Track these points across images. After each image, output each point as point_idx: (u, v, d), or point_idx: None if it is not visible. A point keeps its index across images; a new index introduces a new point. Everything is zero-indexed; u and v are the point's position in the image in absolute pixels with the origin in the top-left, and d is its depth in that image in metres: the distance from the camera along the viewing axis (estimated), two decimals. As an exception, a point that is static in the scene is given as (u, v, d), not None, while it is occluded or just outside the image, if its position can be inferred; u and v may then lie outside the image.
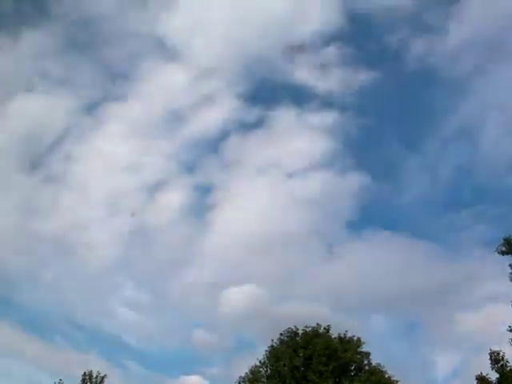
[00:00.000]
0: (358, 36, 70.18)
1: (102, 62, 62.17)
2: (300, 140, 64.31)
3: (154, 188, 62.01)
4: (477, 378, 24.95)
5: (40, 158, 59.32)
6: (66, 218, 57.87)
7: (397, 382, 32.43)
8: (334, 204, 62.33)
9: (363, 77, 67.06)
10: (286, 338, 32.98)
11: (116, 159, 60.03)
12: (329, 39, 67.81)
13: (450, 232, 67.17)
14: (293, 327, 33.30)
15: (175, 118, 60.87)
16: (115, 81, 61.58)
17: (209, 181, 61.97)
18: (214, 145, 63.74)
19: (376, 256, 58.63)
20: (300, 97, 69.64)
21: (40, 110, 58.15)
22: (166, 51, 63.23)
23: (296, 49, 67.67)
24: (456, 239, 64.63)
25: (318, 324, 33.40)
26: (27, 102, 58.53)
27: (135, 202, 61.58)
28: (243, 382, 32.78)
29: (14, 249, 54.88)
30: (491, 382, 24.39)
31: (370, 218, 64.97)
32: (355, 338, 33.07)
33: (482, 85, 65.75)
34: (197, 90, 62.58)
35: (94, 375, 33.40)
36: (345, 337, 33.01)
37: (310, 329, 33.00)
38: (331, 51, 67.75)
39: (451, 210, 69.92)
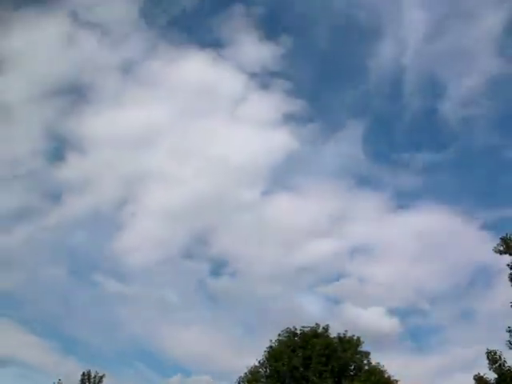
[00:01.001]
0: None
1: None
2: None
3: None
4: (475, 379, 24.81)
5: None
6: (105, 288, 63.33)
7: (396, 381, 32.32)
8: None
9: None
10: (284, 338, 32.86)
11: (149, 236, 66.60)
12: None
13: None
14: (291, 327, 33.20)
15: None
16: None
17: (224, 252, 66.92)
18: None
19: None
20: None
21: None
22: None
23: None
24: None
25: (316, 324, 33.31)
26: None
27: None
28: (242, 382, 32.68)
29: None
30: (489, 382, 24.20)
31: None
32: (355, 338, 32.95)
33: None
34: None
35: (93, 375, 33.34)
36: (344, 336, 32.89)
37: (308, 329, 32.88)
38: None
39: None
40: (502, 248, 24.03)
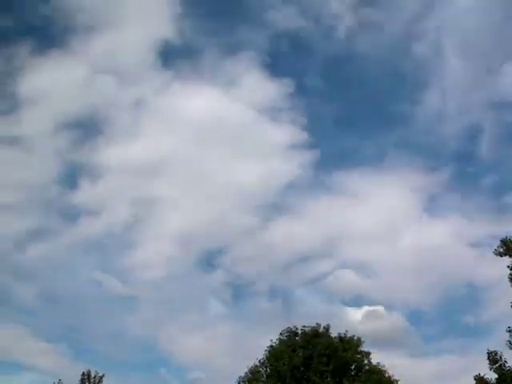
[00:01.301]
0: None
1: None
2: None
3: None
4: (475, 379, 24.90)
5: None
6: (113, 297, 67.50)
7: (397, 381, 32.43)
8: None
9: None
10: (285, 338, 32.90)
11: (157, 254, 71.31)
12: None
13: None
14: (292, 327, 33.24)
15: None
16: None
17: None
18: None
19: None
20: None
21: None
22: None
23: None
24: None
25: (317, 323, 33.35)
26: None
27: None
28: (243, 381, 32.71)
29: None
30: (490, 382, 24.28)
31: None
32: (355, 338, 33.03)
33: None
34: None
35: (93, 375, 33.26)
36: (345, 336, 32.94)
37: (309, 328, 32.93)
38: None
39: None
40: (502, 250, 24.14)
